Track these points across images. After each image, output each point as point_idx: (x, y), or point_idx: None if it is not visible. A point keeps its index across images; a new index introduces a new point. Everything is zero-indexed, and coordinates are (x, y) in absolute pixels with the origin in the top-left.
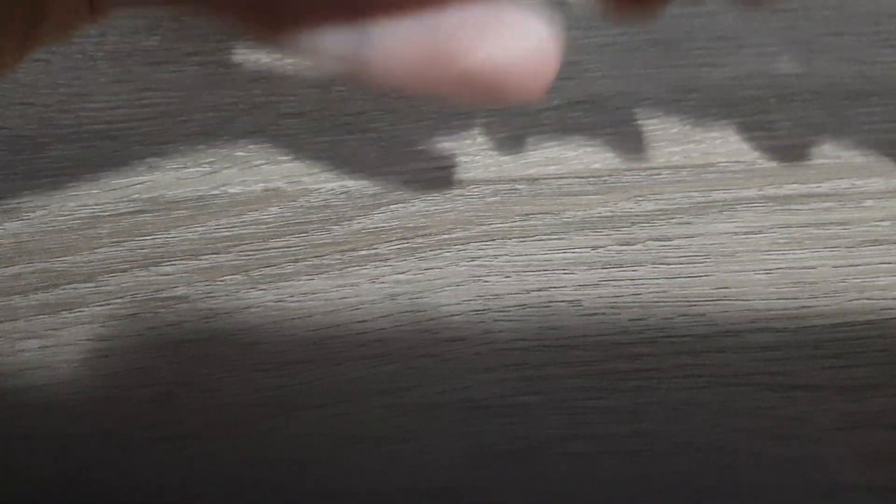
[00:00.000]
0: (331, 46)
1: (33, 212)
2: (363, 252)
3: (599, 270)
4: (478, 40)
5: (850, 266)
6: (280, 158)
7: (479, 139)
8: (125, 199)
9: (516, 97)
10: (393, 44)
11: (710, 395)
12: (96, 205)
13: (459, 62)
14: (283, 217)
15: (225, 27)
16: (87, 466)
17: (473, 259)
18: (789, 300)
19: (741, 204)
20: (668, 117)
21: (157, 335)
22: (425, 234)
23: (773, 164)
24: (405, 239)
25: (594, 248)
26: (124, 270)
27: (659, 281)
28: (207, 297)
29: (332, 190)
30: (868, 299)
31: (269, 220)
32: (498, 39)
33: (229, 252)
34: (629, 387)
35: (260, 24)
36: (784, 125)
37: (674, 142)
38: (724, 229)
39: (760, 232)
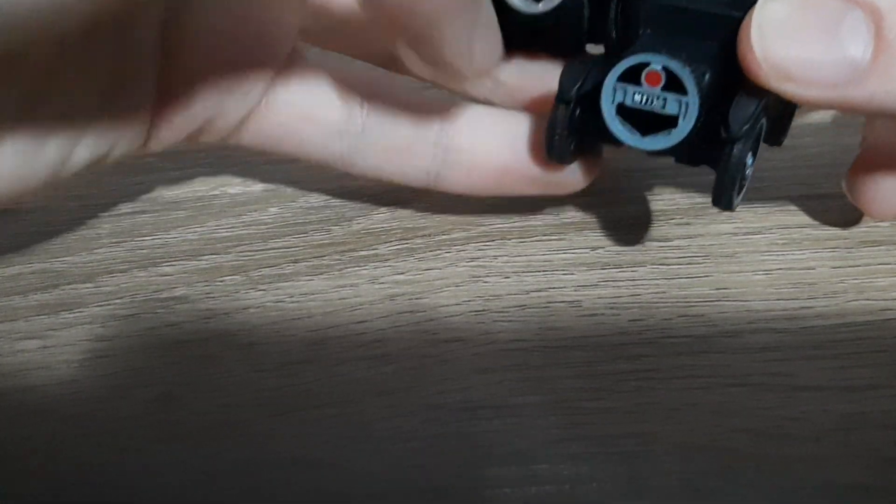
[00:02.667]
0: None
1: (33, 212)
2: (363, 252)
3: (599, 271)
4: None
5: (850, 267)
6: (280, 158)
7: None
8: (125, 199)
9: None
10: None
11: (709, 395)
12: (96, 205)
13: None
14: (283, 217)
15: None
16: (87, 467)
17: (473, 259)
18: (789, 301)
19: (740, 204)
20: None
21: (157, 335)
22: (425, 235)
23: (773, 164)
24: (405, 239)
25: (594, 248)
26: (124, 271)
27: (658, 281)
28: (207, 298)
29: (332, 190)
30: (867, 300)
31: (269, 220)
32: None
33: (229, 252)
34: (629, 387)
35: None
36: None
37: None
38: (724, 230)
39: (759, 232)
